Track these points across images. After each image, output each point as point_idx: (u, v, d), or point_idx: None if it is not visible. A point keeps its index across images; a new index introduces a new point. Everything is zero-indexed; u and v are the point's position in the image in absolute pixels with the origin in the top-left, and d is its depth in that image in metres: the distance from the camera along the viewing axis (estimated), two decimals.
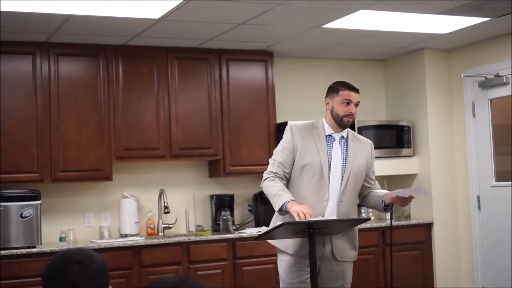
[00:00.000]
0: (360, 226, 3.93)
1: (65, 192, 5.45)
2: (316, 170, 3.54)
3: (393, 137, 6.23)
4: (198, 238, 5.32)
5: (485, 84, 5.89)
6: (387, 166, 6.07)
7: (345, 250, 3.62)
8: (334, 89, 3.64)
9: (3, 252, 4.74)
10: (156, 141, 5.48)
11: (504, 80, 5.71)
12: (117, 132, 5.36)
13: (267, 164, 3.68)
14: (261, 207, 5.80)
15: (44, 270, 1.83)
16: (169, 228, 5.68)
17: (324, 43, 5.77)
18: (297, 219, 3.29)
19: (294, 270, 3.58)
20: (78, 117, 5.26)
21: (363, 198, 3.78)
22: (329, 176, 3.55)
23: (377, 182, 3.79)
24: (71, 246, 5.09)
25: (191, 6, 4.39)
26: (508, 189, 5.73)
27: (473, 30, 5.49)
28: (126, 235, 5.44)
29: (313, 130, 3.63)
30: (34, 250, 4.83)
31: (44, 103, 5.16)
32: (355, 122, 5.97)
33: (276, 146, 3.75)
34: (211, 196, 5.86)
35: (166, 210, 5.56)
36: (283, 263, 3.64)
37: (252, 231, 5.54)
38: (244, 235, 5.44)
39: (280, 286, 3.68)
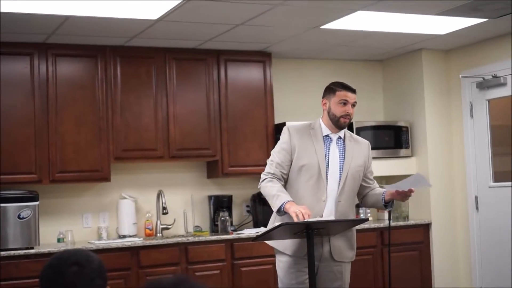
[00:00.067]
0: (358, 227, 3.94)
1: (63, 193, 5.44)
2: (314, 171, 3.55)
3: (391, 138, 6.24)
4: (196, 239, 5.32)
5: (483, 85, 5.89)
6: (385, 167, 6.08)
7: (343, 250, 3.63)
8: (331, 89, 3.64)
9: (1, 253, 4.73)
10: (154, 142, 5.48)
11: (502, 81, 5.71)
12: (115, 133, 5.36)
13: (266, 164, 3.69)
14: (260, 207, 5.80)
15: (42, 271, 1.83)
16: (167, 229, 5.68)
17: (322, 44, 5.77)
18: (295, 219, 3.29)
19: (292, 271, 3.58)
20: (76, 117, 5.26)
21: (362, 198, 3.78)
22: (327, 177, 3.55)
23: (375, 181, 3.80)
24: (69, 247, 5.09)
25: (189, 7, 4.39)
26: (506, 190, 5.73)
27: (471, 31, 5.50)
28: (124, 236, 5.44)
29: (311, 131, 3.64)
30: (32, 251, 4.83)
31: (42, 104, 5.16)
32: (353, 122, 5.98)
33: (274, 146, 3.75)
34: (209, 197, 5.86)
35: (164, 211, 5.56)
36: (281, 264, 3.64)
37: (250, 231, 5.54)
38: (243, 235, 5.44)
39: (279, 287, 3.68)
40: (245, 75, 5.84)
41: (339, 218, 3.54)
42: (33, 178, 5.10)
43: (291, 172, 3.61)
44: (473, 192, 6.05)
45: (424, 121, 6.18)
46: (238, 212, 6.02)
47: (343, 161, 3.60)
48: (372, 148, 3.80)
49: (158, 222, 5.66)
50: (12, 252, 4.76)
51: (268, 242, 3.69)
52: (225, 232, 5.58)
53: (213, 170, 5.80)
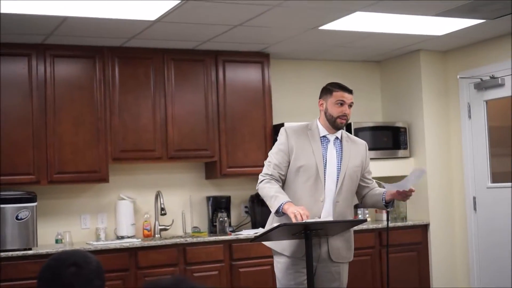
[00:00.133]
0: (356, 227, 3.94)
1: (61, 194, 5.44)
2: (312, 172, 3.55)
3: (389, 139, 6.24)
4: (194, 240, 5.32)
5: (481, 86, 5.90)
6: (383, 168, 6.08)
7: (341, 251, 3.63)
8: (327, 90, 3.65)
9: None
10: (152, 143, 5.48)
11: (500, 82, 5.72)
12: (113, 133, 5.36)
13: (264, 165, 3.69)
14: (258, 208, 5.80)
15: (39, 272, 1.83)
16: (165, 229, 5.68)
17: (321, 45, 5.78)
18: (294, 220, 3.29)
19: (290, 272, 3.58)
20: (74, 118, 5.25)
21: (362, 199, 3.79)
22: (324, 177, 3.56)
23: (374, 181, 3.81)
24: (67, 248, 5.08)
25: (187, 7, 4.39)
26: (504, 190, 5.74)
27: (469, 32, 5.50)
28: (122, 237, 5.43)
29: (308, 132, 3.64)
30: (30, 252, 4.83)
31: (40, 105, 5.15)
32: (351, 123, 5.99)
33: (272, 147, 3.76)
34: (208, 198, 5.86)
35: (162, 212, 5.55)
36: (279, 265, 3.64)
37: (248, 232, 5.54)
38: (241, 236, 5.44)
39: None
40: (243, 76, 5.84)
41: (337, 219, 3.55)
42: (31, 179, 5.09)
43: (289, 173, 3.61)
44: (471, 193, 6.06)
45: (422, 122, 6.18)
46: (237, 213, 6.02)
47: (340, 162, 3.60)
48: (370, 149, 3.80)
49: (156, 223, 5.66)
50: (10, 253, 4.76)
51: (266, 243, 3.69)
52: (224, 233, 5.57)
53: (212, 171, 5.80)
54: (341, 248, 3.62)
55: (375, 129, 6.24)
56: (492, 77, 5.78)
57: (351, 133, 5.64)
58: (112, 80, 5.38)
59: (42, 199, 5.23)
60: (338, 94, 3.60)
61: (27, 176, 5.08)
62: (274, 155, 3.63)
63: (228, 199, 5.87)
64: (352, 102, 3.63)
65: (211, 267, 5.30)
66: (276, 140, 3.73)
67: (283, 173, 3.61)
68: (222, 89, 5.73)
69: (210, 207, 5.82)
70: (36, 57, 5.17)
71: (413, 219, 6.25)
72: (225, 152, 5.69)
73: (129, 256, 5.09)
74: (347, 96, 3.60)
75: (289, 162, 3.60)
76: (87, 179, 5.30)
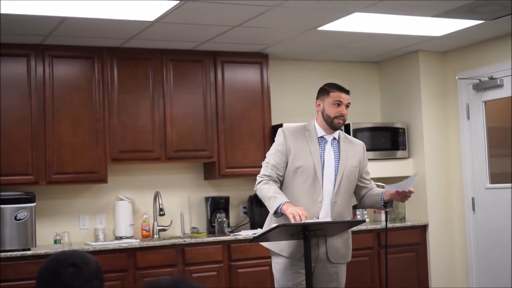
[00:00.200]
0: (355, 228, 3.94)
1: (60, 195, 5.44)
2: (310, 172, 3.55)
3: (388, 139, 6.25)
4: (193, 240, 5.32)
5: (479, 87, 5.90)
6: (382, 168, 6.08)
7: (339, 251, 3.63)
8: (324, 90, 3.65)
9: None
10: (151, 143, 5.47)
11: (498, 83, 5.73)
12: (112, 134, 5.36)
13: (262, 166, 3.69)
14: (257, 209, 5.80)
15: (38, 272, 1.83)
16: (164, 230, 5.68)
17: (319, 45, 5.78)
18: (292, 221, 3.29)
19: (289, 272, 3.58)
20: (73, 119, 5.25)
21: (360, 199, 3.79)
22: (322, 178, 3.56)
23: (372, 181, 3.81)
24: (66, 248, 5.07)
25: (186, 8, 4.39)
26: (502, 191, 5.74)
27: (467, 33, 5.51)
28: (121, 238, 5.43)
29: (305, 133, 3.64)
30: (28, 252, 4.82)
31: (38, 105, 5.15)
32: (350, 124, 5.99)
33: (270, 148, 3.76)
34: (206, 198, 5.86)
35: (161, 212, 5.55)
36: (277, 265, 3.64)
37: (247, 233, 5.54)
38: (240, 237, 5.44)
39: None
40: (242, 76, 5.84)
41: (336, 219, 3.55)
42: (30, 179, 5.09)
43: (287, 174, 3.61)
44: (469, 194, 6.06)
45: (420, 122, 6.19)
46: (235, 213, 6.02)
47: (338, 162, 3.61)
48: (369, 150, 3.81)
49: (155, 223, 5.66)
50: (8, 254, 4.76)
51: (264, 244, 3.69)
52: (222, 233, 5.57)
53: (210, 172, 5.80)
54: (339, 248, 3.63)
55: (374, 129, 6.24)
56: (491, 78, 5.79)
57: (349, 133, 5.64)
58: (111, 81, 5.38)
59: (41, 200, 5.23)
60: (335, 95, 3.60)
61: (26, 177, 5.08)
62: (272, 156, 3.63)
63: (226, 199, 5.87)
64: (349, 103, 3.64)
65: (210, 267, 5.30)
66: (274, 141, 3.73)
67: (281, 174, 3.61)
68: (221, 89, 5.73)
69: (208, 208, 5.82)
70: (35, 58, 5.16)
71: (411, 219, 6.25)
72: (224, 153, 5.69)
73: (127, 256, 5.09)
74: (344, 97, 3.61)
75: (287, 163, 3.60)
76: (85, 179, 5.30)
